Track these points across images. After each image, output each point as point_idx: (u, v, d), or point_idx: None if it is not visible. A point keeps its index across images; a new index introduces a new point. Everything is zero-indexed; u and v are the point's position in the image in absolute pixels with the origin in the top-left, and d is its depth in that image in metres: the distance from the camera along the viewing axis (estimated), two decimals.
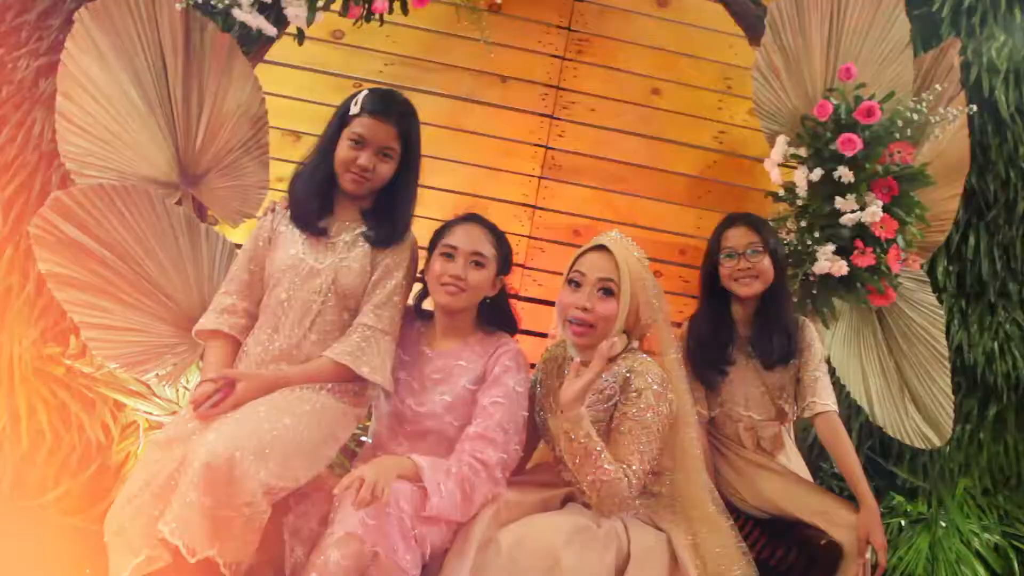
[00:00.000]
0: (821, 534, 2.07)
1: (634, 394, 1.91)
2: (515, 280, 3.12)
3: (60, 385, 2.82)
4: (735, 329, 2.28)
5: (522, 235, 3.14)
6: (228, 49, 2.47)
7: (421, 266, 2.13)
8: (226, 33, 2.47)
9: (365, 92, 1.99)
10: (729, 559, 1.93)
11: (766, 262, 2.20)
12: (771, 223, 2.35)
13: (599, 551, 1.78)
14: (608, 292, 1.96)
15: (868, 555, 2.04)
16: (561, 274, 2.06)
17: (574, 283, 2.00)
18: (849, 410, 3.07)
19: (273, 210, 2.08)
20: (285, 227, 2.03)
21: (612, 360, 1.90)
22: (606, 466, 1.83)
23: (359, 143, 1.93)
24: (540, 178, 3.16)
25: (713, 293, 2.29)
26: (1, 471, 2.80)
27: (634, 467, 1.87)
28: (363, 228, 2.01)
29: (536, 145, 3.16)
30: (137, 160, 2.49)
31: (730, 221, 2.26)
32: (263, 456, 1.59)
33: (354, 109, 1.94)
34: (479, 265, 2.01)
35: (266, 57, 2.80)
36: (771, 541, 2.20)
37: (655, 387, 1.92)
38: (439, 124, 3.09)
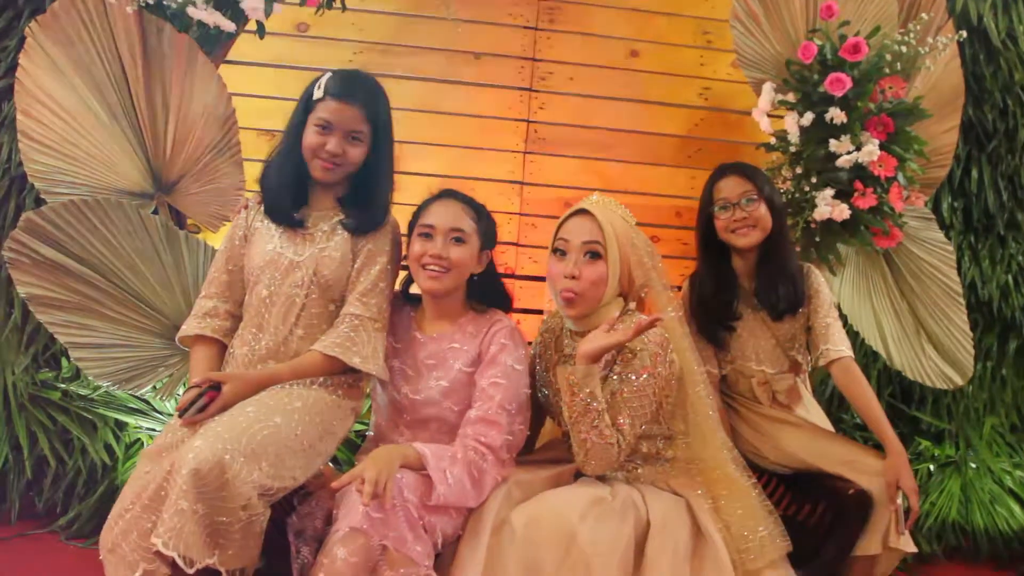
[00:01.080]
0: (848, 484, 1.98)
1: (630, 355, 1.84)
2: (509, 258, 3.05)
3: (58, 410, 2.78)
4: (738, 283, 2.20)
5: (512, 213, 3.06)
6: (188, 50, 2.39)
7: (405, 251, 2.05)
8: (184, 34, 2.39)
9: (328, 75, 1.91)
10: (754, 520, 1.86)
11: (762, 210, 2.12)
12: (766, 173, 2.26)
13: (616, 522, 1.71)
14: (595, 255, 1.89)
15: (899, 500, 1.96)
16: None
17: (559, 252, 1.93)
18: (866, 358, 3.00)
19: (246, 207, 2.01)
20: (260, 223, 1.95)
21: (611, 325, 1.82)
22: (603, 429, 1.77)
23: (326, 128, 1.85)
24: (525, 153, 3.08)
25: (711, 248, 2.21)
26: (8, 502, 2.76)
27: (625, 432, 1.81)
28: (340, 216, 1.93)
29: (517, 120, 3.08)
30: (107, 173, 2.43)
31: (721, 172, 2.18)
32: (255, 457, 1.53)
33: (318, 93, 1.86)
34: (459, 241, 1.92)
35: (232, 57, 2.73)
36: (797, 497, 2.12)
37: (652, 348, 1.84)
38: (416, 108, 3.01)
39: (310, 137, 1.85)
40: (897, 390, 3.16)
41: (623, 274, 1.92)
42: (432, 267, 1.90)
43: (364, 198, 1.91)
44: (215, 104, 2.44)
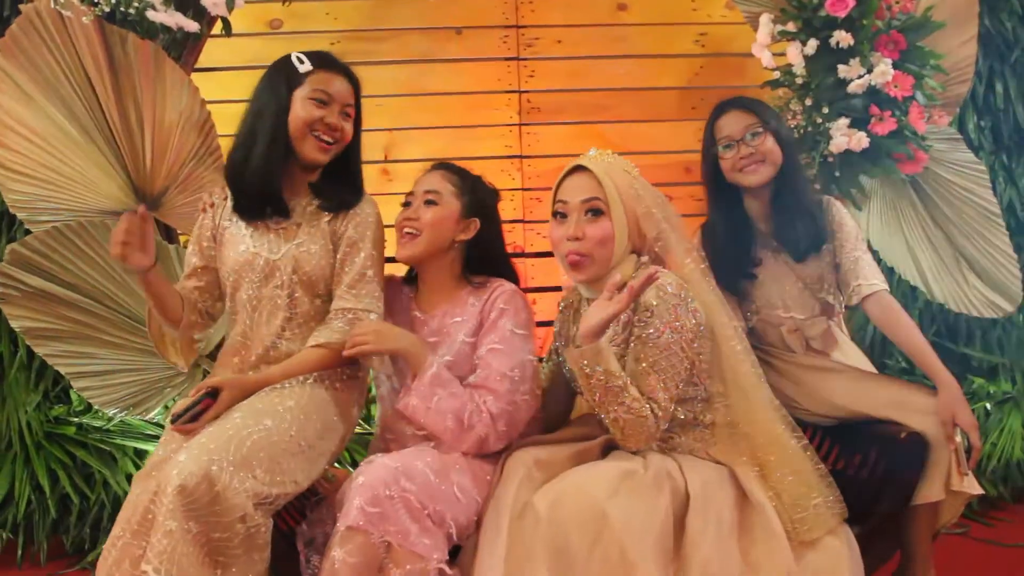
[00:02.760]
0: (899, 428, 1.83)
1: (646, 313, 1.69)
2: (517, 236, 2.93)
3: (75, 445, 2.72)
4: (753, 226, 2.05)
5: (514, 189, 2.94)
6: (154, 57, 2.30)
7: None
8: (148, 40, 2.30)
9: (302, 52, 1.82)
10: (807, 485, 1.71)
11: (769, 142, 1.97)
12: (773, 108, 2.11)
13: (650, 496, 1.58)
14: (596, 212, 1.76)
15: (958, 439, 1.80)
16: None
17: (559, 215, 1.81)
18: (904, 298, 2.82)
19: (212, 205, 1.89)
20: (229, 221, 1.84)
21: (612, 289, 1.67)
22: (631, 404, 1.63)
23: (324, 102, 1.76)
24: (520, 125, 2.96)
25: (721, 193, 2.07)
26: (36, 544, 2.71)
27: (659, 399, 1.66)
28: (314, 204, 1.81)
29: (508, 92, 2.95)
30: (89, 194, 2.35)
31: (720, 109, 2.03)
32: (246, 465, 1.43)
33: (303, 67, 1.77)
34: (432, 204, 1.85)
35: (205, 64, 2.64)
36: (845, 449, 1.97)
37: (671, 300, 1.69)
38: (402, 93, 2.90)
39: (306, 110, 1.75)
40: (942, 328, 2.98)
41: (631, 229, 1.79)
42: (406, 230, 1.85)
43: (341, 175, 1.81)
44: (189, 110, 2.34)
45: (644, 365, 1.67)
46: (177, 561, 1.32)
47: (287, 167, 1.81)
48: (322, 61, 1.80)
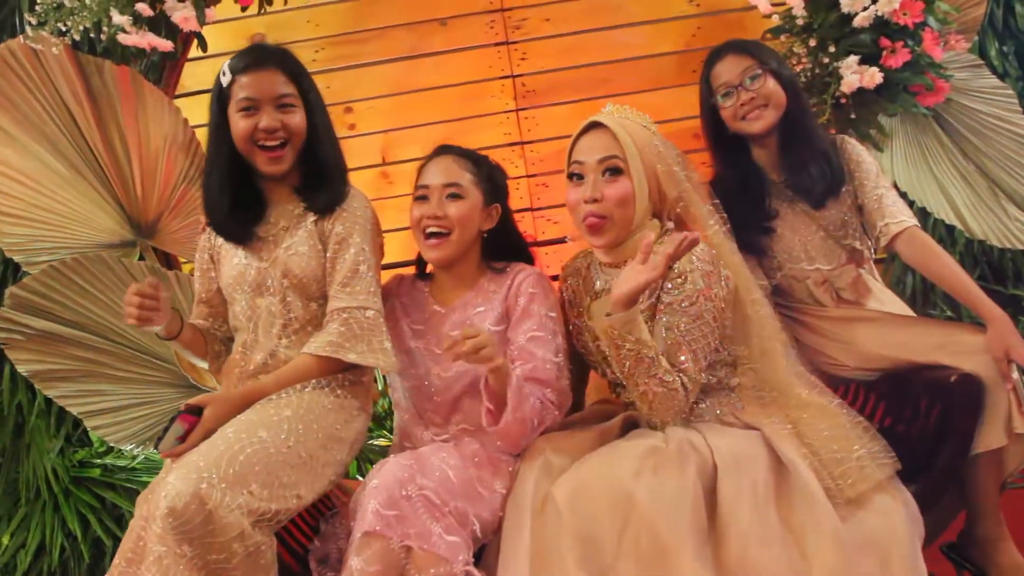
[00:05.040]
0: (948, 371, 1.68)
1: (678, 279, 1.58)
2: (526, 225, 2.83)
3: (102, 487, 2.66)
4: (764, 176, 1.92)
5: (519, 177, 2.85)
6: (133, 83, 2.27)
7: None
8: (125, 66, 2.26)
9: (228, 61, 1.71)
10: (845, 439, 1.57)
11: (770, 84, 1.84)
12: (770, 48, 1.98)
13: (676, 471, 1.45)
14: (615, 171, 1.65)
15: (1015, 375, 1.65)
16: None
17: (575, 176, 1.70)
18: (941, 242, 2.63)
19: (208, 225, 1.82)
20: (223, 239, 1.77)
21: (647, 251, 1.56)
22: (663, 376, 1.52)
23: (251, 108, 1.63)
24: (517, 111, 2.87)
25: (725, 146, 1.94)
26: None
27: (689, 371, 1.56)
28: (300, 207, 1.72)
29: (501, 78, 2.87)
30: (83, 229, 2.33)
31: (714, 56, 1.91)
32: (240, 480, 1.34)
33: (225, 79, 1.66)
34: (456, 197, 1.74)
35: (190, 88, 2.61)
36: (892, 404, 1.82)
37: (702, 266, 1.59)
38: (392, 92, 2.85)
39: (239, 126, 1.63)
40: (986, 270, 2.78)
41: (652, 188, 1.67)
42: (432, 230, 1.73)
43: (319, 172, 1.70)
44: (174, 132, 2.31)
45: (675, 335, 1.57)
46: None
47: (264, 180, 1.73)
48: (240, 63, 1.66)
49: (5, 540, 2.65)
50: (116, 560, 1.35)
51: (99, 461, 2.66)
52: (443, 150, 1.82)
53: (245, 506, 1.32)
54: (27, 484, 2.67)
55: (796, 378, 1.66)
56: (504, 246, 1.83)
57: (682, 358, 1.56)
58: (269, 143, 1.64)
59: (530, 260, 1.87)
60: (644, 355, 1.51)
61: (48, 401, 2.63)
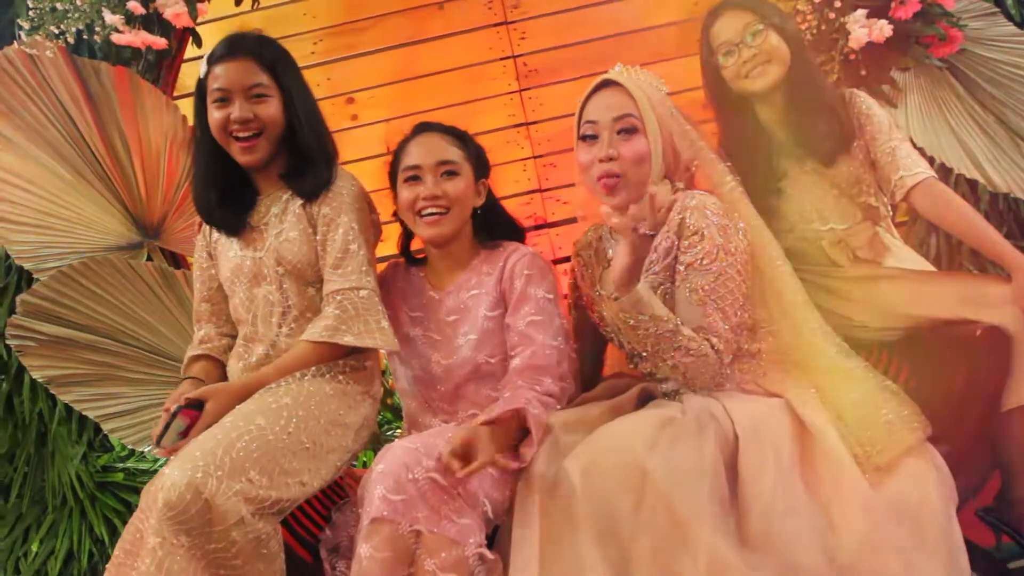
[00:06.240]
0: (974, 325, 1.62)
1: (695, 236, 1.55)
2: (536, 207, 2.79)
3: (127, 491, 2.67)
4: (771, 135, 1.86)
5: (526, 158, 2.81)
6: (130, 83, 2.26)
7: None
8: (122, 66, 2.25)
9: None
10: (873, 404, 1.52)
11: (773, 39, 1.78)
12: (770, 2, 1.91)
13: (693, 441, 1.40)
14: (630, 130, 1.62)
15: None
16: None
17: (589, 137, 1.65)
18: (964, 199, 2.56)
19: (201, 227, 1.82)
20: (219, 234, 1.76)
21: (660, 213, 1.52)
22: (688, 344, 1.48)
23: (223, 99, 1.62)
24: (521, 92, 2.82)
25: (729, 106, 1.89)
26: None
27: (718, 329, 1.51)
28: (288, 193, 1.70)
29: (502, 59, 2.83)
30: (90, 233, 2.31)
31: (712, 15, 1.87)
32: (238, 468, 1.32)
33: (202, 72, 1.66)
34: (452, 175, 1.71)
35: (191, 88, 2.58)
36: (917, 365, 1.76)
37: (717, 220, 1.55)
38: (395, 80, 2.82)
39: (213, 117, 1.63)
40: (1013, 226, 2.67)
41: (667, 149, 1.64)
42: (429, 211, 1.70)
43: (302, 159, 1.68)
44: (173, 130, 2.30)
45: (699, 294, 1.53)
46: None
47: (252, 170, 1.71)
48: (216, 53, 1.65)
49: (35, 547, 2.67)
50: (115, 551, 1.34)
51: (121, 465, 2.67)
52: (425, 127, 1.79)
53: (243, 493, 1.31)
54: (53, 491, 2.69)
55: (822, 338, 1.60)
56: (493, 222, 1.81)
57: (710, 318, 1.52)
58: (242, 134, 1.63)
59: (521, 234, 1.85)
60: (663, 330, 1.48)
61: (69, 408, 2.64)
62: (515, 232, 1.83)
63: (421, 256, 1.86)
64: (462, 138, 1.77)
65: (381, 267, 1.86)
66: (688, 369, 1.51)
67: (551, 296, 1.69)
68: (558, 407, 1.59)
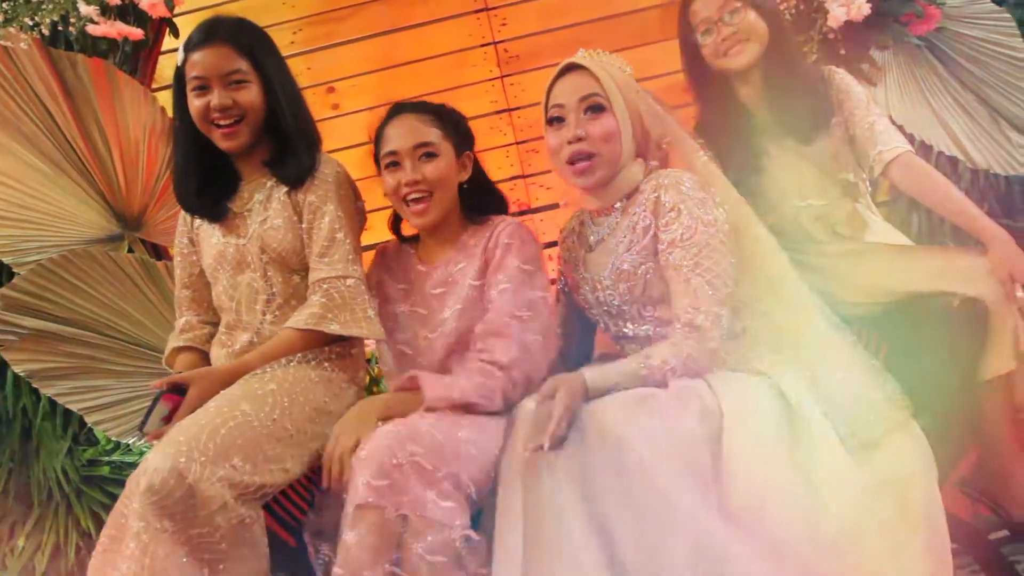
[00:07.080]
0: (951, 296, 1.62)
1: (671, 213, 1.55)
2: (520, 193, 2.79)
3: (113, 484, 2.65)
4: (749, 113, 1.87)
5: (508, 144, 2.80)
6: (107, 75, 2.26)
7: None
8: (98, 58, 2.24)
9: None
10: (859, 383, 1.53)
11: (751, 17, 1.79)
12: None
13: (673, 414, 1.40)
14: (597, 108, 1.61)
15: (1020, 294, 1.60)
16: None
17: (556, 120, 1.65)
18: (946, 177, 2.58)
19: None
20: (201, 220, 1.75)
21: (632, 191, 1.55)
22: (665, 353, 1.48)
23: (202, 86, 1.61)
24: (502, 78, 2.81)
25: (708, 84, 1.89)
26: None
27: (705, 306, 1.50)
28: (272, 180, 1.69)
29: (483, 46, 2.82)
30: (70, 226, 2.32)
31: None
32: (221, 453, 1.32)
33: (180, 59, 1.64)
34: (431, 156, 1.69)
35: (170, 80, 2.57)
36: (896, 341, 1.75)
37: (694, 194, 1.55)
38: (376, 69, 2.80)
39: (193, 105, 1.61)
40: (995, 205, 2.69)
41: (635, 125, 1.64)
42: (413, 195, 1.68)
43: (285, 144, 1.67)
44: (152, 122, 2.30)
45: (684, 271, 1.53)
46: (148, 565, 1.23)
47: (235, 156, 1.70)
48: (192, 40, 1.63)
49: (21, 542, 2.66)
50: (100, 538, 1.34)
51: (107, 459, 2.66)
52: (400, 109, 1.76)
53: (227, 479, 1.31)
54: (39, 486, 2.68)
55: (814, 309, 1.61)
56: (480, 193, 1.79)
57: (697, 296, 1.51)
58: (223, 121, 1.61)
59: (505, 206, 1.84)
60: (636, 372, 1.47)
61: (53, 403, 2.62)
62: (500, 205, 1.82)
63: (413, 233, 1.85)
64: (438, 114, 1.75)
65: (367, 255, 1.86)
66: (685, 361, 1.49)
67: (528, 267, 1.66)
68: (515, 377, 1.56)
